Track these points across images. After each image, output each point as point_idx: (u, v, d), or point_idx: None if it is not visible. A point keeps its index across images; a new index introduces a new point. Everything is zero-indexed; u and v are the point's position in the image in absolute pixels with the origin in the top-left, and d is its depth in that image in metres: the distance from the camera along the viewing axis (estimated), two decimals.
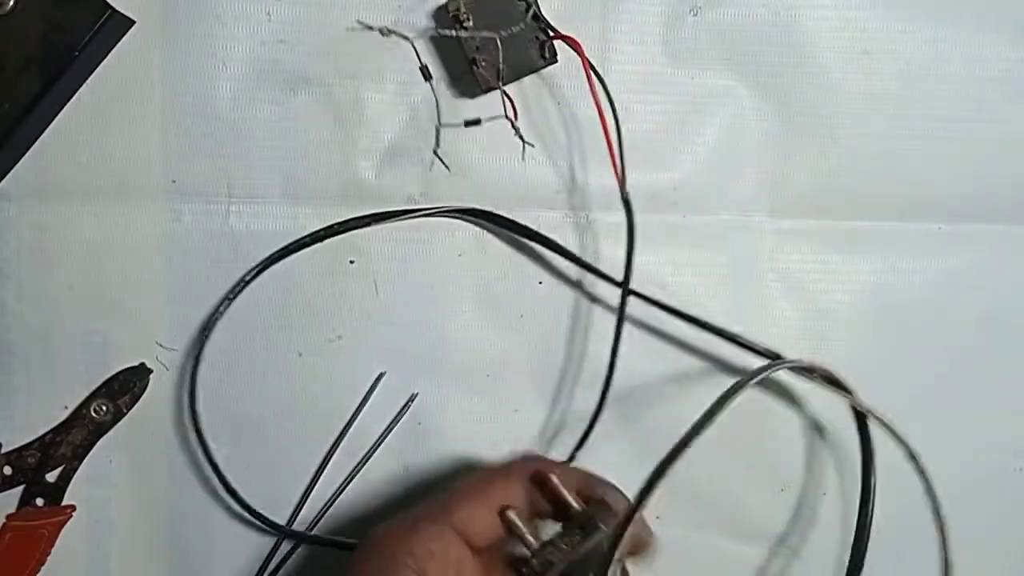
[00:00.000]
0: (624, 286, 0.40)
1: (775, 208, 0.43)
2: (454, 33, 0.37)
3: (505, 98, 0.38)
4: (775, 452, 0.44)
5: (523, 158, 0.40)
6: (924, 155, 0.43)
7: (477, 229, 0.42)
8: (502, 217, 0.41)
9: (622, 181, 0.39)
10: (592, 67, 0.38)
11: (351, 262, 0.42)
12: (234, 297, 0.41)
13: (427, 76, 0.38)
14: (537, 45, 0.39)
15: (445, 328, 0.42)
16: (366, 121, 0.41)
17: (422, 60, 0.38)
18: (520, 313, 0.43)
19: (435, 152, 0.39)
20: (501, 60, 0.38)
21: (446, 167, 0.40)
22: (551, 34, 0.38)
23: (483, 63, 0.38)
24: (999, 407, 0.44)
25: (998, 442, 0.44)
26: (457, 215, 0.41)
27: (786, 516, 0.44)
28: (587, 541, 0.32)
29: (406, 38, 0.37)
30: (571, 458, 0.42)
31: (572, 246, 0.42)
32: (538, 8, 0.38)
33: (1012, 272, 0.44)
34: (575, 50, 0.38)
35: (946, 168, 0.43)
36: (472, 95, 0.41)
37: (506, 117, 0.39)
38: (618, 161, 0.39)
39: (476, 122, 0.39)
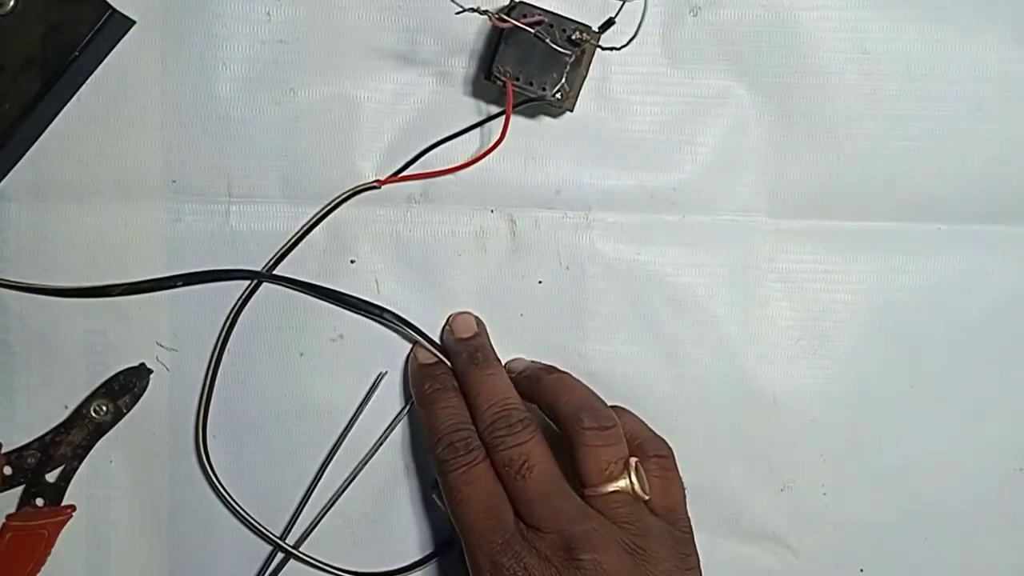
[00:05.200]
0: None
1: (775, 208, 0.43)
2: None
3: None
4: (775, 451, 0.44)
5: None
6: (924, 155, 0.43)
7: (478, 228, 0.42)
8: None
9: None
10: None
11: (351, 261, 0.42)
12: None
13: None
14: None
15: None
16: (366, 121, 0.41)
17: None
18: (520, 313, 0.43)
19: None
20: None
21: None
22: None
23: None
24: (999, 407, 0.44)
25: (998, 442, 0.44)
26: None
27: (786, 516, 0.44)
28: None
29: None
30: None
31: (571, 245, 0.42)
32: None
33: (1012, 272, 0.44)
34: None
35: (946, 168, 0.43)
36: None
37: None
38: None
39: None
